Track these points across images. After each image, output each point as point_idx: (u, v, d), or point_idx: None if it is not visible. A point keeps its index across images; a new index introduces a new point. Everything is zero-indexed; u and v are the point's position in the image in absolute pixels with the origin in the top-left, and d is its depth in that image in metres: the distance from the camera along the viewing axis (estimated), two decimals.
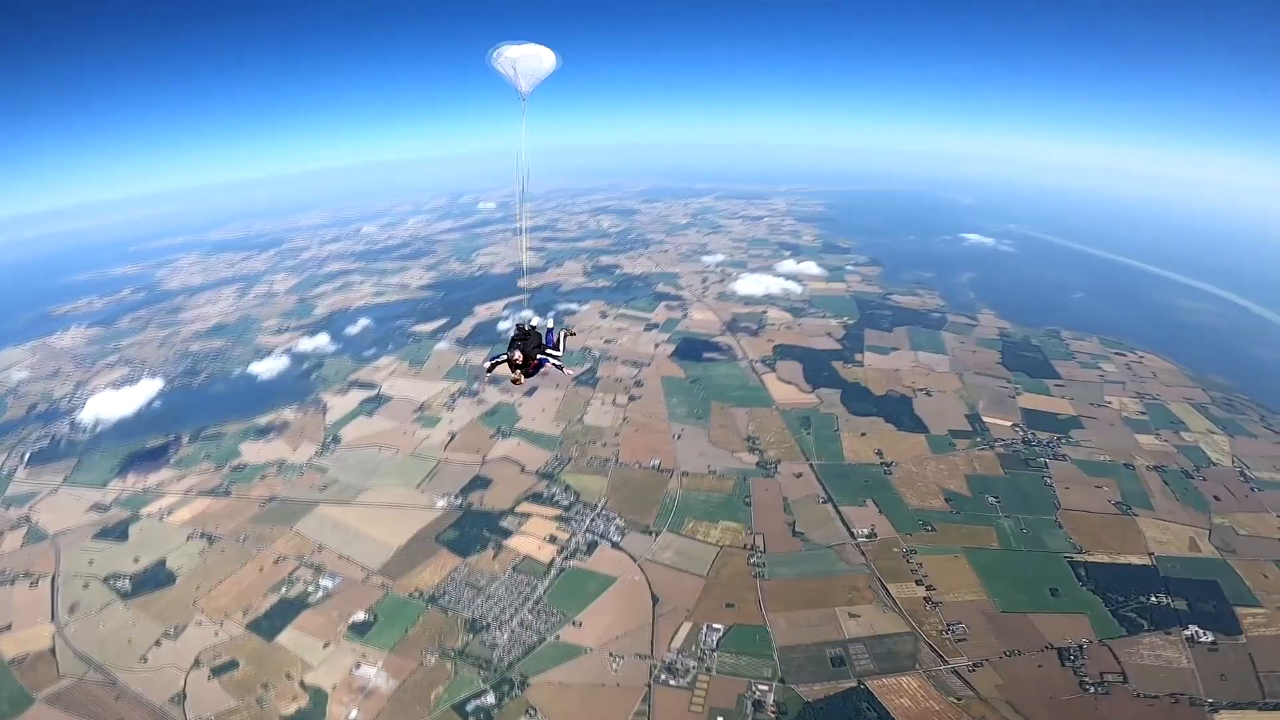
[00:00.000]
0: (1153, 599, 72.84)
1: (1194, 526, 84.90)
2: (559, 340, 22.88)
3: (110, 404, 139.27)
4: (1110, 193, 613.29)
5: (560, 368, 22.67)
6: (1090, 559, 79.11)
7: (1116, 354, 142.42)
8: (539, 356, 21.99)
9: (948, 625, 69.52)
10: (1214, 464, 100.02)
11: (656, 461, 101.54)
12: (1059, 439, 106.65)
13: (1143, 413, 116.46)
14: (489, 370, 22.81)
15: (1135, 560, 78.92)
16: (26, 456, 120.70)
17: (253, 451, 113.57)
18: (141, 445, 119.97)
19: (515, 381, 22.46)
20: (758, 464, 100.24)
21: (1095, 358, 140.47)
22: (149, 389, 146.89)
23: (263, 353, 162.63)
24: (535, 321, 22.59)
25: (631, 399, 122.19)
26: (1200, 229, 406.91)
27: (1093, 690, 62.13)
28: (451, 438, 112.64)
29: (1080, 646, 66.60)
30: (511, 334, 22.67)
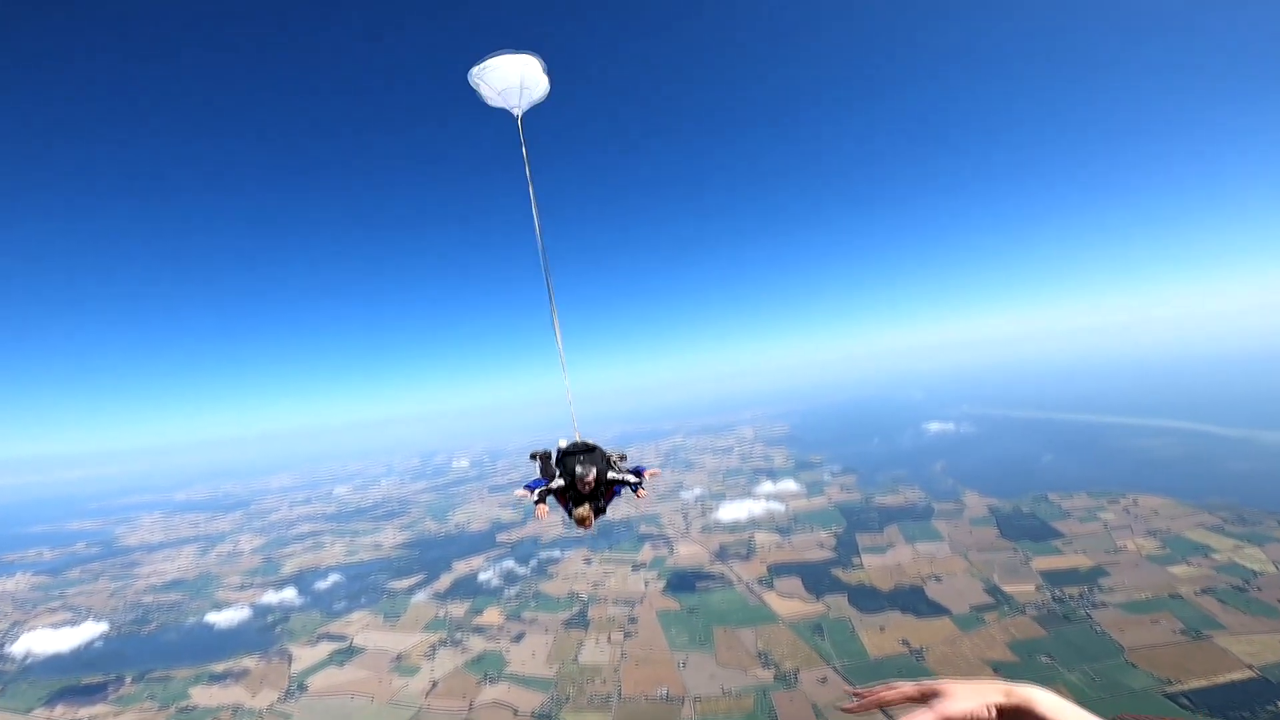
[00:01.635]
0: None
1: (1278, 633, 75.59)
2: (615, 462, 15.91)
3: (46, 640, 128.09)
4: (1040, 355, 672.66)
5: (636, 489, 15.40)
6: (1187, 687, 69.02)
7: (1109, 502, 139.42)
8: (612, 477, 15.28)
9: None
10: (1259, 573, 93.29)
11: (664, 690, 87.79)
12: (1090, 589, 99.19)
13: (1163, 547, 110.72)
14: (537, 501, 15.52)
15: (1238, 676, 69.83)
16: None
17: (205, 695, 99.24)
18: (76, 681, 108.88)
19: (584, 524, 15.03)
20: (775, 677, 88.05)
21: (1091, 510, 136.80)
22: (91, 630, 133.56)
23: (222, 606, 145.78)
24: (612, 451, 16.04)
25: (627, 635, 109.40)
26: (1134, 369, 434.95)
27: None
28: (434, 685, 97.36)
29: None
30: (556, 453, 16.41)
